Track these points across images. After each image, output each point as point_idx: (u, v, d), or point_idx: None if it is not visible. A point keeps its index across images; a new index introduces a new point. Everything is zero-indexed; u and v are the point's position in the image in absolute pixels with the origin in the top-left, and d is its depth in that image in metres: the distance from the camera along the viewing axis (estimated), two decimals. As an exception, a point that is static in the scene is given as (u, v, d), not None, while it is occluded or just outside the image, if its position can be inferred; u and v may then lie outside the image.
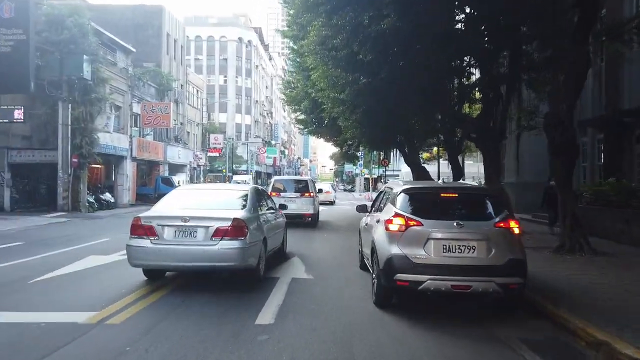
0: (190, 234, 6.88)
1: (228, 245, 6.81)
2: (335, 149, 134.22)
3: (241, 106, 78.27)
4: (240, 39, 78.49)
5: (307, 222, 17.59)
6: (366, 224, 8.18)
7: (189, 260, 6.92)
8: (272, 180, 20.26)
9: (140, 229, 6.99)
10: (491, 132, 14.15)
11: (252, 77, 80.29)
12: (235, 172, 73.91)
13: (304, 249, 11.90)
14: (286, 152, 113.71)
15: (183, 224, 6.90)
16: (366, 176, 73.55)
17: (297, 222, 16.66)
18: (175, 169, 40.99)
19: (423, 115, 16.62)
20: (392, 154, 74.68)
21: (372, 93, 13.27)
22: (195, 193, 9.10)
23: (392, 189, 7.31)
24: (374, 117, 16.42)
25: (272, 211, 9.39)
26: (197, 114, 46.50)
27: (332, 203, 33.88)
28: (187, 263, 6.99)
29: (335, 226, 19.17)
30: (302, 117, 27.76)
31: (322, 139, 28.02)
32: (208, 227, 6.87)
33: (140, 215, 7.23)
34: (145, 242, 6.89)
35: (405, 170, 60.18)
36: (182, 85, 41.17)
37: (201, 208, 7.48)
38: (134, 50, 30.96)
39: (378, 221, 6.85)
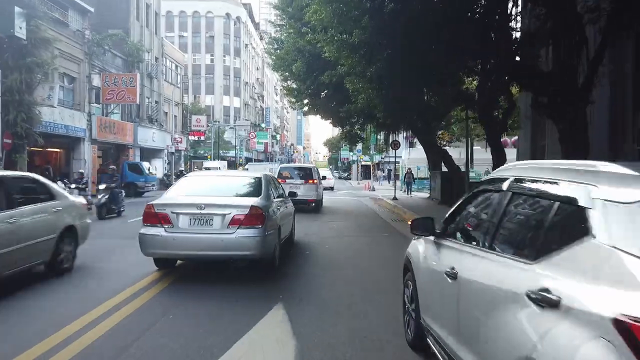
0: (207, 222, 6.58)
1: (246, 233, 6.52)
2: (330, 134, 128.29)
3: (229, 88, 72.91)
4: (228, 14, 72.86)
5: (312, 207, 18.01)
6: (451, 274, 3.15)
7: (205, 249, 6.64)
8: (279, 167, 20.92)
9: (153, 217, 6.65)
10: (578, 92, 9.36)
11: (241, 56, 74.86)
12: (224, 159, 69.16)
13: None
14: (278, 137, 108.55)
15: (199, 211, 6.58)
16: (363, 163, 68.84)
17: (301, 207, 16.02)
18: (150, 154, 35.92)
19: (463, 62, 11.64)
20: (398, 135, 70.44)
21: (404, 27, 8.42)
22: (206, 180, 8.88)
23: (572, 182, 2.29)
24: (402, 67, 11.35)
25: (281, 198, 8.80)
26: (177, 92, 41.34)
27: (331, 189, 33.32)
28: (203, 252, 6.72)
29: (340, 215, 14.89)
30: (293, 85, 22.16)
31: (318, 116, 22.77)
32: (225, 215, 6.57)
33: (153, 202, 6.86)
34: (159, 231, 6.60)
35: (410, 156, 55.51)
36: (156, 59, 35.98)
37: (215, 195, 7.17)
38: (91, 9, 25.80)
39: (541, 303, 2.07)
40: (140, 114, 33.29)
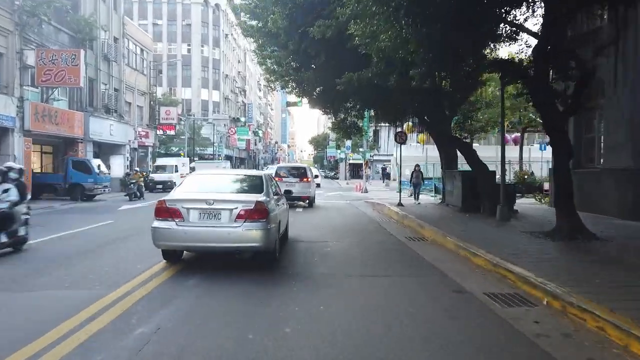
0: (215, 216, 7.10)
1: (251, 227, 7.05)
2: (315, 132, 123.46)
3: (208, 80, 67.87)
4: (206, 1, 67.78)
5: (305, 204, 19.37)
6: None
7: (213, 241, 7.12)
8: (276, 167, 23.78)
9: (165, 212, 7.18)
10: None
11: (220, 47, 69.84)
12: (202, 157, 64.09)
13: None
14: (261, 134, 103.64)
15: (208, 206, 7.09)
16: (352, 161, 64.47)
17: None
18: (108, 149, 30.98)
19: None
20: (383, 134, 66.04)
21: None
22: (211, 178, 9.36)
23: None
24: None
25: (278, 196, 9.33)
26: (143, 80, 36.39)
27: (318, 186, 31.42)
28: (211, 244, 7.20)
29: (334, 230, 10.21)
30: (274, 54, 16.47)
31: (304, 104, 17.99)
32: (232, 209, 7.10)
33: (165, 198, 7.43)
34: (171, 224, 7.09)
35: (404, 153, 51.24)
36: (116, 39, 31.01)
37: (223, 192, 7.78)
38: (21, -31, 20.84)
39: None
40: (95, 103, 28.34)
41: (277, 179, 17.30)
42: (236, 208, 7.08)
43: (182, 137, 47.77)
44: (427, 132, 20.48)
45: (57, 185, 23.14)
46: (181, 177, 31.02)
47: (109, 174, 24.87)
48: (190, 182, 8.41)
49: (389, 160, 62.63)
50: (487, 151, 29.80)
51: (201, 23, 67.24)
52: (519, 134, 40.31)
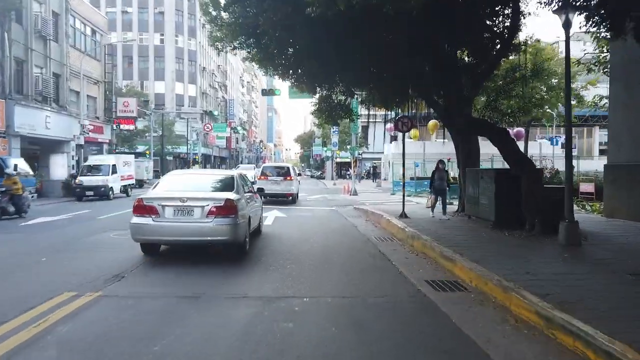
0: (188, 212, 7.68)
1: (221, 222, 7.64)
2: (302, 130, 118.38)
3: (183, 73, 62.66)
4: (180, -13, 62.63)
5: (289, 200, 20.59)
6: None
7: (187, 235, 7.74)
8: (262, 166, 25.42)
9: (142, 209, 7.77)
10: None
11: (197, 37, 64.67)
12: (178, 156, 58.96)
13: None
14: (244, 132, 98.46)
15: (181, 204, 7.69)
16: (339, 160, 59.71)
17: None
18: (48, 147, 25.94)
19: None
20: (372, 130, 61.32)
21: None
22: (186, 177, 10.04)
23: None
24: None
25: (251, 194, 9.87)
26: (96, 67, 31.27)
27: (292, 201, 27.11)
28: (185, 238, 7.82)
29: (313, 276, 6.12)
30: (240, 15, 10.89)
31: (280, 78, 12.72)
32: (204, 206, 7.68)
33: (142, 196, 8.03)
34: (148, 220, 7.71)
35: (393, 151, 46.60)
36: (56, 14, 25.91)
37: (195, 190, 8.31)
38: None
39: None
40: (25, 90, 23.23)
41: (262, 177, 20.62)
42: (207, 205, 7.69)
43: (147, 134, 42.63)
44: (439, 120, 15.75)
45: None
46: (124, 179, 25.96)
47: (33, 176, 19.79)
48: (166, 181, 9.13)
49: (379, 159, 58.18)
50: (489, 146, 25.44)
51: (175, 11, 62.04)
52: (521, 129, 36.01)
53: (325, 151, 59.47)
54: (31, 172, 19.82)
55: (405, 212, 12.92)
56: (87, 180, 23.36)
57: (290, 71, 11.98)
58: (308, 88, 12.49)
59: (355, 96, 15.04)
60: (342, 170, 61.76)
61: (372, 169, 57.78)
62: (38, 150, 26.26)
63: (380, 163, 54.80)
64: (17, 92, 22.50)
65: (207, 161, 67.87)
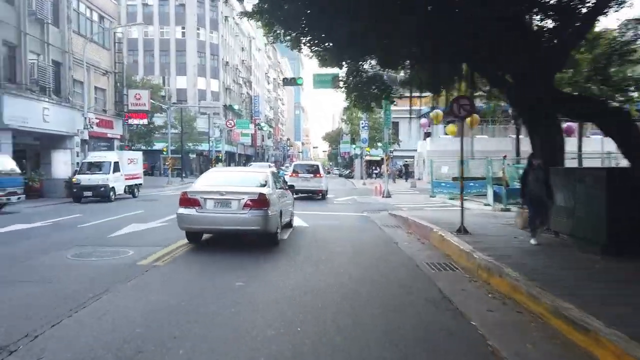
0: (226, 204, 8.59)
1: (255, 214, 8.48)
2: (330, 127, 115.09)
3: (205, 67, 60.26)
4: (202, -22, 60.28)
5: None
6: None
7: (225, 224, 8.65)
8: (293, 165, 25.76)
9: (187, 201, 8.76)
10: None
11: (219, 30, 62.17)
12: (201, 154, 56.43)
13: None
14: (269, 130, 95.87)
15: (220, 197, 8.61)
16: (369, 157, 56.10)
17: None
18: (49, 142, 23.56)
19: None
20: (403, 127, 57.55)
21: None
22: (224, 174, 11.21)
23: None
24: None
25: (282, 190, 10.64)
26: (105, 56, 28.84)
27: (322, 196, 26.53)
28: (224, 227, 8.74)
29: None
30: None
31: (293, 44, 9.74)
32: (240, 199, 8.54)
33: (187, 190, 9.11)
34: (192, 211, 8.67)
35: (429, 148, 42.94)
36: (56, -4, 23.49)
37: (232, 185, 9.18)
38: None
39: None
40: (18, 78, 20.79)
41: (293, 174, 21.45)
42: (243, 198, 8.51)
43: (163, 130, 40.14)
44: (508, 101, 12.23)
45: None
46: (129, 178, 23.33)
47: (19, 175, 17.22)
48: (207, 177, 10.18)
49: (410, 157, 54.44)
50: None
51: (197, 3, 59.69)
52: (572, 123, 31.66)
53: (354, 148, 56.13)
54: (17, 170, 17.26)
55: (464, 226, 9.54)
56: (85, 179, 20.80)
57: (307, 29, 8.74)
58: (332, 59, 9.28)
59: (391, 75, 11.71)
60: (371, 168, 58.18)
61: (404, 167, 54.10)
62: (37, 146, 23.93)
63: (413, 161, 51.14)
64: (8, 80, 20.07)
65: (231, 159, 65.44)
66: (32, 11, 21.20)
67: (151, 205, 19.46)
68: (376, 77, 9.77)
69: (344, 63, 9.37)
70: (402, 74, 12.06)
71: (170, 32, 59.10)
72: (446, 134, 46.12)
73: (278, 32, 8.73)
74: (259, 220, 8.47)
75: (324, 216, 15.49)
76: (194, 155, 56.31)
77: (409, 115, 54.45)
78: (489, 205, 16.83)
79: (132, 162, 23.74)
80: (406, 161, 55.24)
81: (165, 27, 59.29)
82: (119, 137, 29.96)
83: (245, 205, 8.46)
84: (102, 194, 20.68)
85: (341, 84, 9.77)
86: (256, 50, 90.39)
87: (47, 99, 22.17)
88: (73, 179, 21.12)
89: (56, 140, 23.79)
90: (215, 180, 9.74)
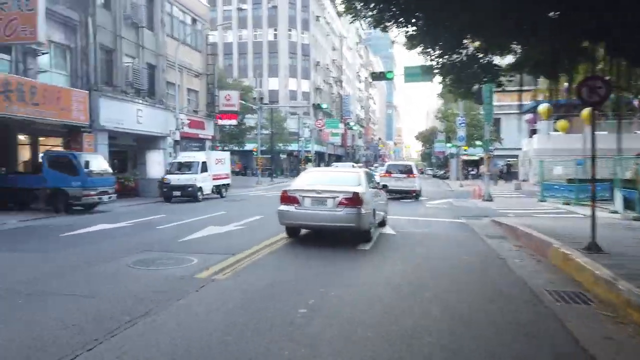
0: (323, 202, 9.14)
1: (349, 211, 8.94)
2: (424, 126, 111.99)
3: (296, 68, 60.56)
4: (293, -20, 60.63)
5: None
6: None
7: (321, 221, 9.28)
8: (385, 165, 27.34)
9: (287, 199, 9.44)
10: None
11: (310, 30, 62.16)
12: (291, 154, 56.63)
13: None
14: (360, 130, 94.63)
15: (317, 195, 9.20)
16: (466, 157, 52.54)
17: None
18: (143, 143, 24.30)
19: None
20: (505, 124, 53.20)
21: None
22: (320, 174, 11.67)
23: None
24: None
25: (376, 189, 11.11)
26: (197, 58, 29.41)
27: (416, 197, 25.75)
28: (320, 223, 9.37)
29: None
30: None
31: (374, 23, 8.53)
32: (335, 198, 9.05)
33: (287, 189, 9.78)
34: (291, 208, 9.38)
35: (536, 146, 39.05)
36: (150, 0, 24.12)
37: (328, 184, 9.73)
38: None
39: None
40: (114, 81, 21.49)
41: (386, 175, 21.76)
42: (338, 197, 9.01)
43: (259, 131, 40.45)
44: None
45: (37, 191, 16.38)
46: (217, 178, 23.25)
47: (109, 174, 17.56)
48: (305, 177, 10.80)
49: (513, 156, 50.14)
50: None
51: (288, 4, 60.13)
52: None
53: (450, 147, 53.02)
54: (109, 170, 17.64)
55: (597, 244, 7.44)
56: (174, 179, 20.99)
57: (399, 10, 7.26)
58: (422, 39, 7.66)
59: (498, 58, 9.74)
60: (467, 169, 54.45)
61: (505, 167, 50.00)
62: (133, 147, 24.78)
63: (517, 161, 47.03)
64: (105, 83, 20.79)
65: (320, 159, 65.24)
66: (127, 15, 21.86)
67: (236, 206, 19.07)
68: (476, 57, 8.02)
69: (436, 47, 7.74)
70: (509, 57, 10.06)
71: (263, 35, 60.17)
72: (555, 131, 41.70)
73: (358, 6, 7.36)
74: (353, 218, 8.92)
75: (414, 222, 13.82)
76: (284, 156, 56.73)
77: (512, 111, 50.36)
78: (616, 212, 14.05)
79: (220, 163, 23.71)
80: (508, 161, 51.00)
81: (259, 30, 60.48)
82: (210, 137, 30.42)
83: (340, 203, 8.95)
84: (190, 194, 20.72)
85: (434, 64, 8.15)
86: (347, 49, 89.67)
87: (140, 101, 22.77)
88: (164, 179, 21.42)
89: (150, 141, 24.44)
90: (313, 179, 10.32)
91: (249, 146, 43.58)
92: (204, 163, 21.82)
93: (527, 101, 44.75)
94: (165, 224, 13.18)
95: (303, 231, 10.50)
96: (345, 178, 10.39)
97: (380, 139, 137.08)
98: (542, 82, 13.29)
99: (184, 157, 22.62)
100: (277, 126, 50.41)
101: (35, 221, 14.22)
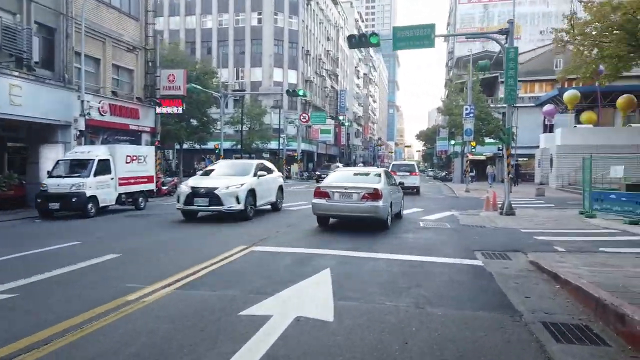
0: (349, 196, 10.94)
1: (371, 204, 10.76)
2: (426, 125, 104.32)
3: (282, 57, 53.97)
4: (279, -42, 54.03)
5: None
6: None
7: (348, 211, 11.08)
8: (391, 164, 30.11)
9: (320, 194, 11.30)
10: None
11: (299, 15, 55.59)
12: (276, 154, 49.88)
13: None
14: (359, 129, 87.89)
15: (345, 190, 11.05)
16: (470, 156, 45.70)
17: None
18: (38, 134, 17.79)
19: None
20: (520, 118, 46.26)
21: None
22: (347, 173, 13.41)
23: None
24: None
25: (393, 186, 12.98)
26: (131, 27, 22.87)
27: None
28: (347, 213, 11.18)
29: None
30: None
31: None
32: (359, 192, 10.88)
33: (320, 185, 12.07)
34: (322, 201, 11.22)
35: (559, 142, 32.30)
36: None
37: (353, 181, 11.83)
38: None
39: None
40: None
41: (392, 172, 22.09)
42: (362, 192, 10.83)
43: (222, 123, 33.85)
44: None
45: None
46: (129, 182, 16.69)
47: None
48: (334, 175, 12.87)
49: (528, 155, 43.39)
50: None
51: (274, -15, 53.69)
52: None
53: (453, 145, 46.37)
54: None
55: None
56: (53, 184, 14.48)
57: None
58: None
59: None
60: (467, 171, 47.51)
61: (514, 167, 43.20)
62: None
63: (535, 160, 40.27)
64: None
65: (309, 159, 58.63)
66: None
67: (125, 226, 12.48)
68: None
69: None
70: None
71: (246, 19, 53.69)
72: (580, 123, 34.93)
73: None
74: (373, 209, 10.72)
75: (385, 274, 7.17)
76: (267, 155, 50.20)
77: (523, 105, 43.50)
78: None
79: (135, 161, 17.06)
80: (517, 160, 44.27)
81: (241, 14, 53.98)
82: (148, 130, 23.88)
83: (363, 197, 10.76)
84: (74, 206, 14.23)
85: None
86: (344, 41, 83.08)
87: (17, 74, 16.23)
88: (41, 184, 14.95)
89: (45, 132, 17.95)
90: (340, 177, 12.44)
91: (214, 144, 36.97)
92: (102, 162, 15.27)
93: (543, 92, 37.43)
94: None
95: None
96: (367, 176, 12.44)
97: (380, 138, 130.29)
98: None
99: (77, 153, 16.00)
100: (255, 120, 43.86)
101: None
